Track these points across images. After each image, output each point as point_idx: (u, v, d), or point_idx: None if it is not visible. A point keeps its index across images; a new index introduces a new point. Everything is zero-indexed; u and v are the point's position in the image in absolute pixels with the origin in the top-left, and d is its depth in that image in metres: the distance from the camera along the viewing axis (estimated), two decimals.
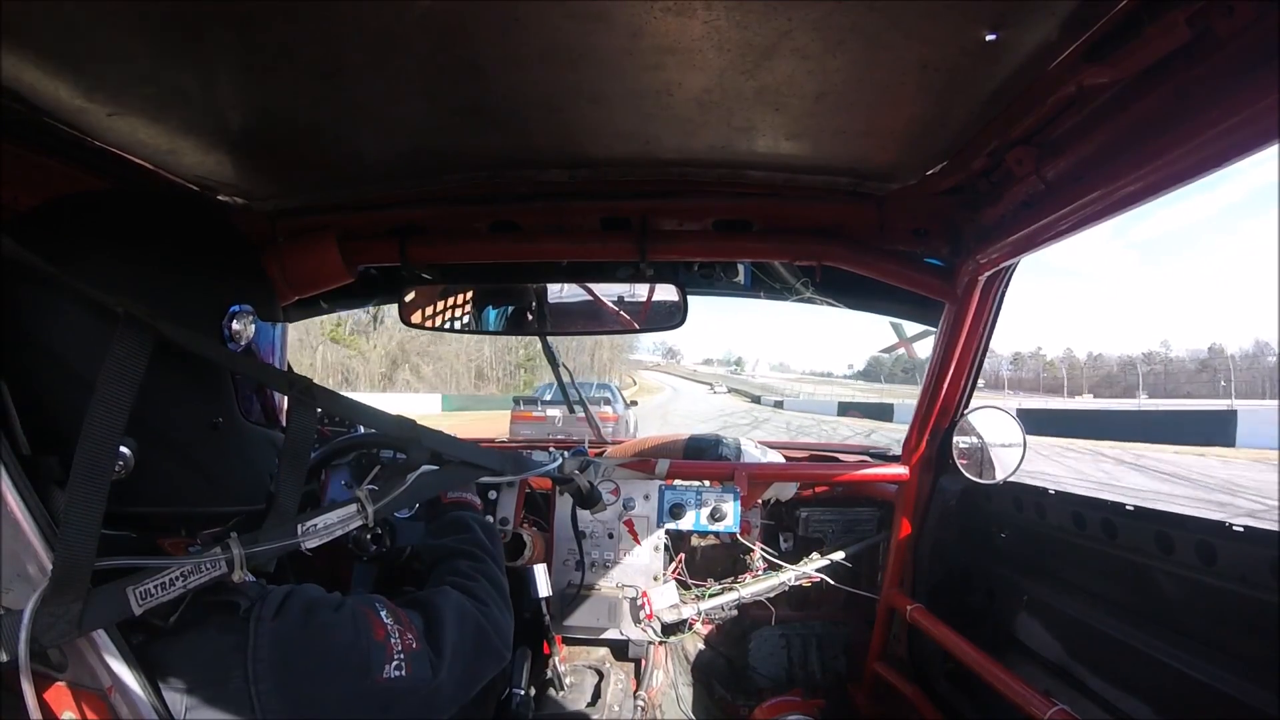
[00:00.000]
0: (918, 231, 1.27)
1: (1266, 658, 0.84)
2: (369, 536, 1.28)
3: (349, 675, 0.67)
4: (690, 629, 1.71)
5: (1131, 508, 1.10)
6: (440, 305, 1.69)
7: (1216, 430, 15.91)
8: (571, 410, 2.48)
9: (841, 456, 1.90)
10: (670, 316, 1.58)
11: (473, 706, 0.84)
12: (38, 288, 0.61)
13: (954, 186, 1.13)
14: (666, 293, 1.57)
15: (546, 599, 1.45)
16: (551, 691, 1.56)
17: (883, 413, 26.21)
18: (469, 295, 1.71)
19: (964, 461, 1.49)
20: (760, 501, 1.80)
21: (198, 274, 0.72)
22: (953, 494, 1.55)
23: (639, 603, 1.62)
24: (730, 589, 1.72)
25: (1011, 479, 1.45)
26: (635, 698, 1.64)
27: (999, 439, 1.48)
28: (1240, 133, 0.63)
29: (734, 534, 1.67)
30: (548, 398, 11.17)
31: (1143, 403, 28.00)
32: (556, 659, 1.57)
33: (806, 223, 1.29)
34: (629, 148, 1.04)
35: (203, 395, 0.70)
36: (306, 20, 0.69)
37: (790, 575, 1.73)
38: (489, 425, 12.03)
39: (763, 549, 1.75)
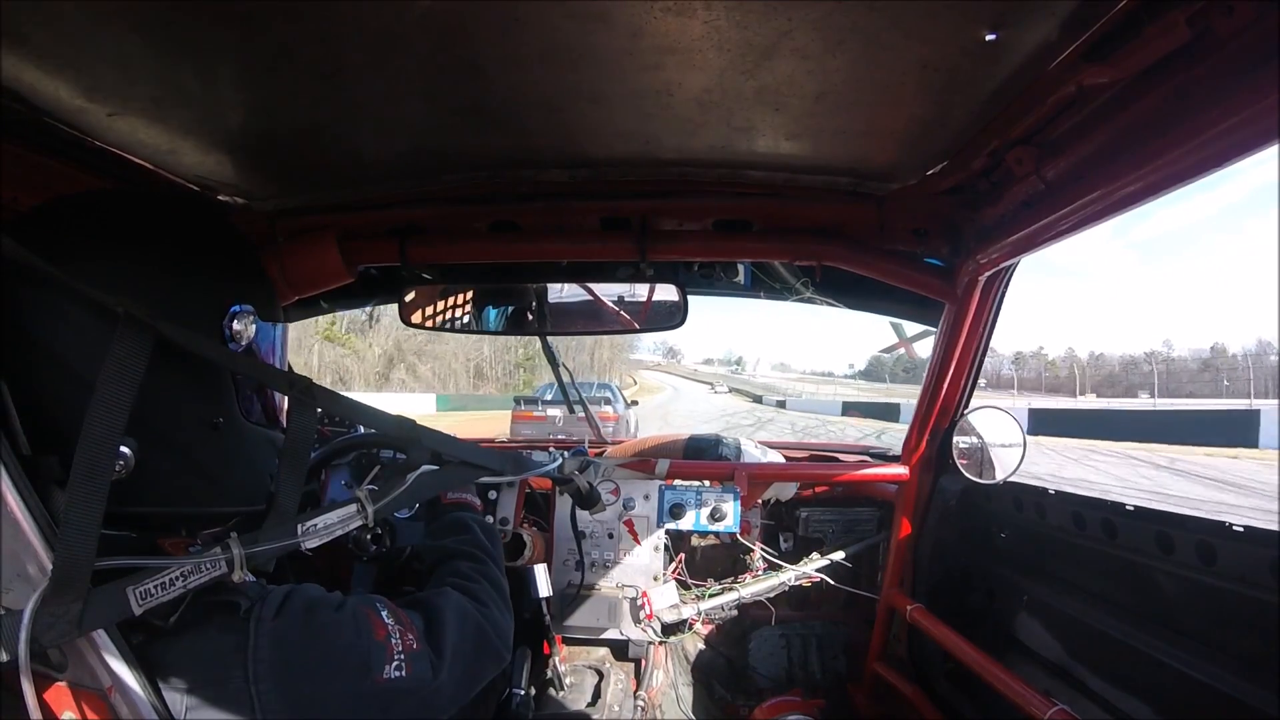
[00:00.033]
0: (918, 231, 1.27)
1: (1266, 658, 0.84)
2: (369, 536, 1.28)
3: (349, 675, 0.67)
4: (690, 629, 1.71)
5: (1131, 508, 1.10)
6: (440, 305, 1.69)
7: (1239, 431, 15.33)
8: (571, 410, 2.48)
9: (841, 456, 1.90)
10: (670, 316, 1.58)
11: (472, 707, 0.84)
12: (38, 288, 0.61)
13: (954, 186, 1.13)
14: (666, 293, 1.57)
15: (546, 599, 1.45)
16: (551, 691, 1.56)
17: (889, 412, 25.66)
18: (469, 295, 1.71)
19: (964, 461, 1.49)
20: (760, 501, 1.80)
21: (198, 274, 0.72)
22: (953, 494, 1.55)
23: (639, 603, 1.62)
24: (730, 589, 1.72)
25: (1011, 479, 1.45)
26: (635, 698, 1.64)
27: (999, 439, 1.48)
28: (1240, 133, 0.63)
29: (734, 534, 1.67)
30: (549, 397, 11.18)
31: (1157, 403, 27.61)
32: (556, 659, 1.57)
33: (806, 223, 1.29)
34: (629, 148, 1.04)
35: (203, 395, 0.70)
36: (306, 20, 0.69)
37: (790, 575, 1.73)
38: (484, 425, 11.96)
39: (763, 549, 1.75)
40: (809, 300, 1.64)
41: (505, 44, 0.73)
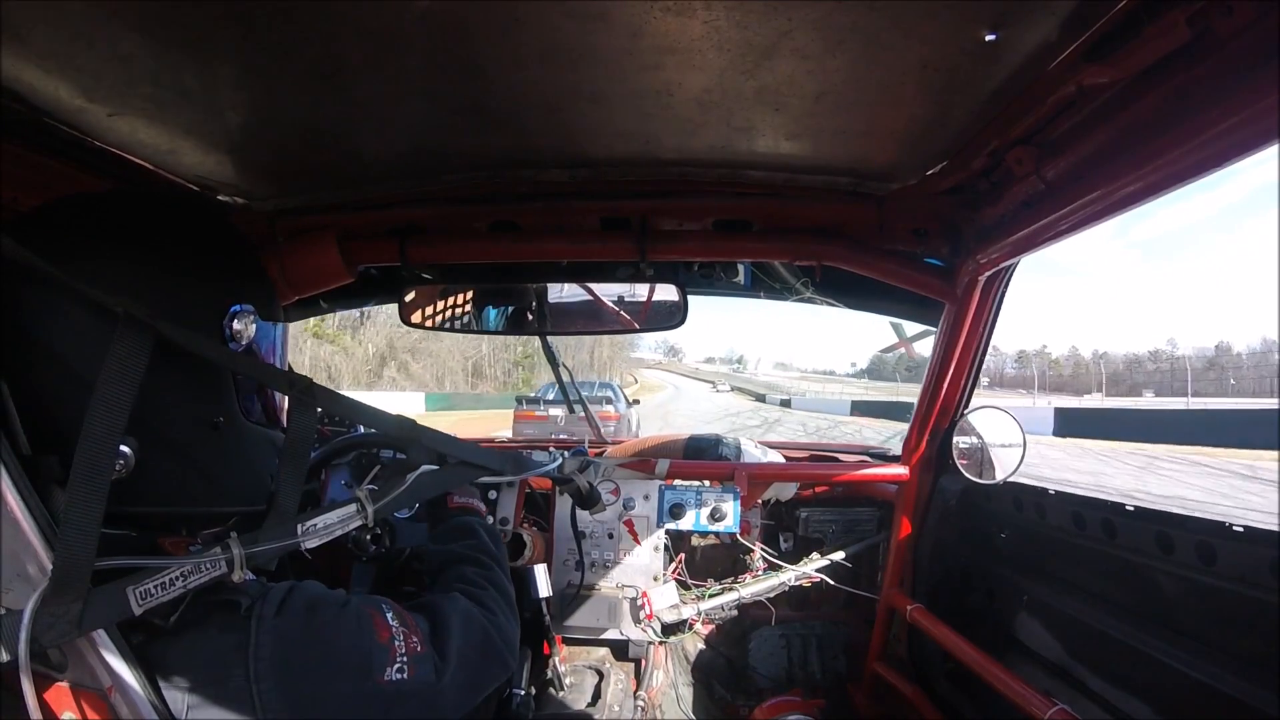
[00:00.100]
0: (918, 231, 1.27)
1: (1266, 658, 0.84)
2: (369, 537, 1.28)
3: (350, 675, 0.67)
4: (690, 629, 1.71)
5: (1132, 508, 1.10)
6: (440, 305, 1.69)
7: None
8: (571, 410, 2.48)
9: (841, 456, 1.90)
10: (670, 316, 1.58)
11: (474, 707, 0.84)
12: (38, 288, 0.61)
13: (954, 186, 1.13)
14: (666, 292, 1.57)
15: (546, 599, 1.45)
16: (551, 691, 1.56)
17: (901, 412, 25.31)
18: (469, 295, 1.71)
19: (964, 461, 1.49)
20: (760, 501, 1.80)
21: (198, 274, 0.72)
22: (953, 494, 1.55)
23: (639, 603, 1.62)
24: (730, 589, 1.71)
25: (1012, 479, 1.45)
26: (635, 698, 1.64)
27: (999, 439, 1.48)
28: (1240, 133, 0.63)
29: (734, 534, 1.67)
30: (550, 397, 11.19)
31: (1190, 401, 27.00)
32: (556, 659, 1.57)
33: (806, 223, 1.29)
34: (629, 148, 1.04)
35: (204, 395, 0.70)
36: (306, 20, 0.69)
37: (790, 575, 1.73)
38: (473, 426, 11.78)
39: (763, 549, 1.75)
40: (809, 300, 1.64)
41: (505, 44, 0.73)
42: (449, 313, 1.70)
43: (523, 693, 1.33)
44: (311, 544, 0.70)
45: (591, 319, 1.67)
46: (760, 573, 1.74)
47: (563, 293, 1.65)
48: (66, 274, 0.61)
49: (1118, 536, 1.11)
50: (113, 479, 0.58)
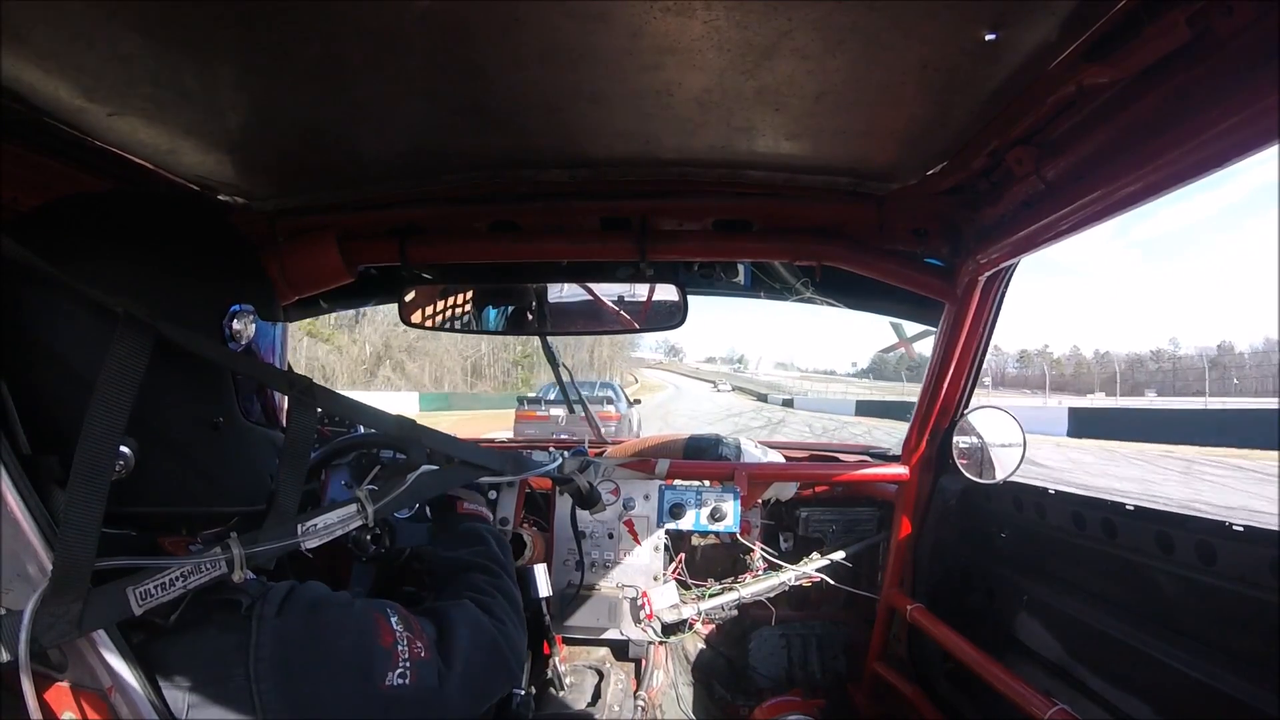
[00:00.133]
0: (918, 231, 1.27)
1: (1266, 658, 0.84)
2: (369, 537, 1.28)
3: (350, 678, 0.66)
4: (690, 629, 1.71)
5: (1131, 507, 1.10)
6: (440, 305, 1.69)
7: None
8: (572, 410, 2.48)
9: (841, 456, 1.90)
10: (670, 316, 1.58)
11: (478, 717, 0.83)
12: (38, 288, 0.61)
13: (954, 186, 1.13)
14: (666, 292, 1.57)
15: (546, 599, 1.45)
16: (551, 691, 1.56)
17: (908, 412, 24.81)
18: (469, 295, 1.71)
19: (964, 461, 1.49)
20: (760, 501, 1.80)
21: (198, 274, 0.71)
22: (953, 494, 1.55)
23: (639, 603, 1.62)
24: (730, 589, 1.71)
25: (1011, 479, 1.45)
26: (635, 698, 1.64)
27: (999, 439, 1.48)
28: (1240, 133, 0.63)
29: (734, 534, 1.67)
30: (551, 397, 11.19)
31: (1209, 401, 26.60)
32: (556, 659, 1.57)
33: (806, 223, 1.29)
34: (629, 148, 1.04)
35: (204, 395, 0.70)
36: (306, 20, 0.69)
37: (790, 575, 1.73)
38: (467, 427, 11.73)
39: (763, 549, 1.75)
40: (809, 300, 1.64)
41: (505, 44, 0.73)
42: (449, 313, 1.70)
43: (523, 693, 1.33)
44: (311, 544, 0.70)
45: (591, 319, 1.67)
46: (760, 573, 1.74)
47: (563, 293, 1.66)
48: (66, 274, 0.60)
49: (1118, 536, 1.11)
50: (113, 479, 0.58)
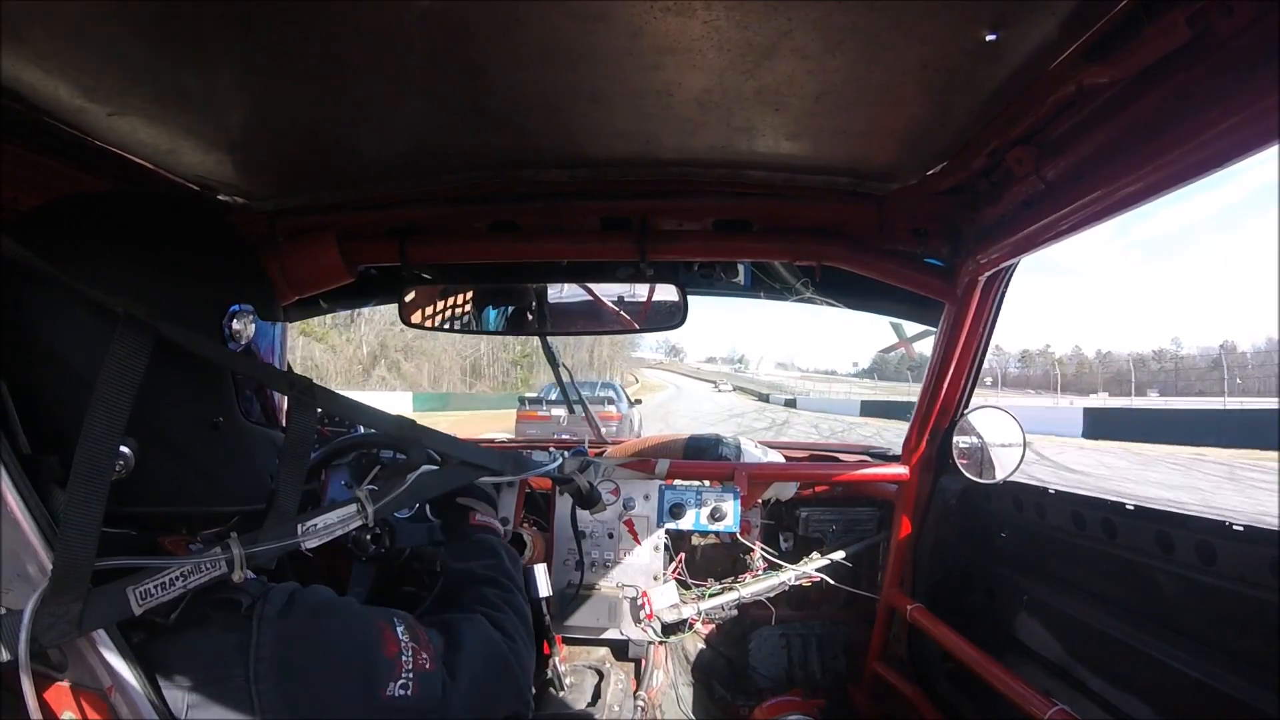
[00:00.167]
0: (918, 231, 1.27)
1: (1266, 658, 0.84)
2: (369, 537, 1.28)
3: (350, 684, 0.66)
4: (690, 629, 1.71)
5: (1132, 507, 1.10)
6: (440, 305, 1.69)
7: None
8: (572, 410, 2.48)
9: (841, 456, 1.90)
10: (670, 316, 1.58)
11: None
12: (38, 288, 0.61)
13: (954, 186, 1.13)
14: (666, 293, 1.58)
15: (546, 599, 1.45)
16: (551, 691, 1.56)
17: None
18: (469, 295, 1.71)
19: (964, 461, 1.49)
20: (760, 501, 1.80)
21: (198, 274, 0.71)
22: (953, 494, 1.55)
23: (639, 603, 1.62)
24: (730, 589, 1.71)
25: (1011, 479, 1.45)
26: (635, 698, 1.64)
27: (999, 439, 1.48)
28: (1240, 133, 0.63)
29: (734, 534, 1.67)
30: (553, 397, 11.21)
31: (1227, 401, 25.56)
32: (556, 659, 1.57)
33: (806, 223, 1.29)
34: (629, 148, 1.04)
35: (204, 395, 0.70)
36: (306, 20, 0.69)
37: (790, 575, 1.73)
38: (464, 429, 11.56)
39: (763, 549, 1.75)
40: (809, 300, 1.64)
41: (505, 44, 0.73)
42: (449, 313, 1.70)
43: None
44: (311, 544, 0.70)
45: (591, 319, 1.67)
46: (760, 572, 1.74)
47: (563, 293, 1.66)
48: (66, 274, 0.60)
49: (1118, 536, 1.11)
50: (113, 479, 0.58)
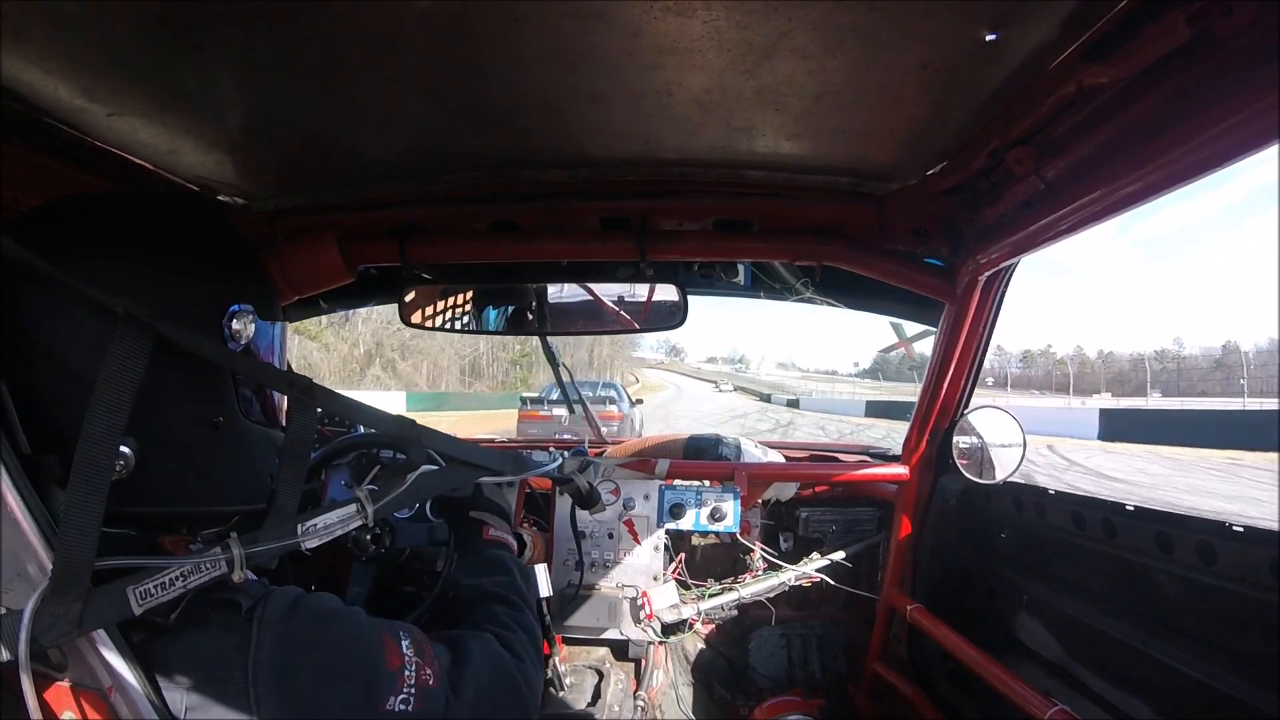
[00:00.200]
0: (918, 231, 1.27)
1: (1266, 658, 0.84)
2: (369, 536, 1.28)
3: (349, 695, 0.65)
4: (690, 629, 1.71)
5: (1131, 507, 1.10)
6: (440, 305, 1.69)
7: None
8: (571, 410, 2.48)
9: (841, 456, 1.90)
10: (670, 316, 1.58)
11: None
12: (38, 288, 0.61)
13: (954, 186, 1.13)
14: (666, 292, 1.58)
15: (547, 599, 1.45)
16: (551, 691, 1.56)
17: None
18: (469, 295, 1.71)
19: (964, 461, 1.49)
20: (760, 501, 1.80)
21: (199, 274, 0.71)
22: (953, 494, 1.55)
23: (639, 603, 1.62)
24: (730, 589, 1.72)
25: (1011, 479, 1.45)
26: (635, 698, 1.64)
27: (999, 439, 1.48)
28: (1240, 133, 0.63)
29: (734, 534, 1.67)
30: (554, 396, 11.23)
31: (1247, 402, 24.87)
32: (556, 659, 1.57)
33: (806, 223, 1.29)
34: (629, 148, 1.04)
35: (204, 395, 0.70)
36: (306, 20, 0.69)
37: (790, 575, 1.73)
38: (459, 430, 11.41)
39: (763, 549, 1.75)
40: (809, 300, 1.64)
41: (505, 44, 0.73)
42: (449, 313, 1.70)
43: None
44: (311, 544, 0.70)
45: (591, 319, 1.67)
46: (760, 573, 1.74)
47: (563, 293, 1.66)
48: (66, 274, 0.60)
49: (1118, 536, 1.11)
50: (113, 479, 0.58)
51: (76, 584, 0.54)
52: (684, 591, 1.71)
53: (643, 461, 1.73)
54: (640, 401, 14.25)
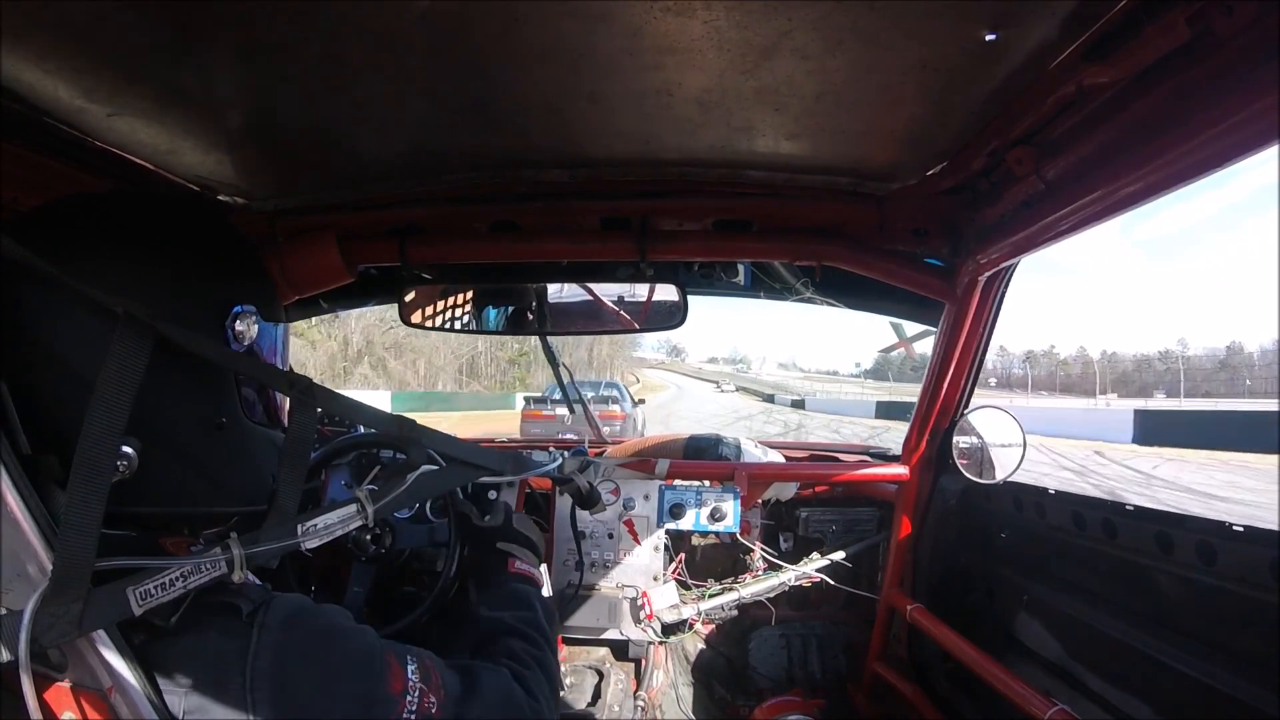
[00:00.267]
0: (918, 231, 1.27)
1: (1266, 658, 0.84)
2: (369, 537, 1.28)
3: (346, 714, 0.64)
4: (690, 629, 1.71)
5: (1131, 508, 1.10)
6: (440, 305, 1.69)
7: None
8: (572, 410, 2.49)
9: (841, 456, 1.90)
10: (670, 316, 1.58)
11: None
12: (38, 288, 0.61)
13: (954, 186, 1.13)
14: (666, 292, 1.58)
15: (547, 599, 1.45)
16: None
17: None
18: (469, 295, 1.72)
19: (964, 461, 1.49)
20: (760, 501, 1.80)
21: (199, 274, 0.71)
22: (953, 494, 1.55)
23: (639, 603, 1.62)
24: (730, 589, 1.72)
25: (1011, 479, 1.45)
26: (635, 698, 1.64)
27: (999, 439, 1.49)
28: (1240, 133, 0.63)
29: (734, 534, 1.67)
30: (557, 396, 11.24)
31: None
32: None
33: (806, 223, 1.29)
34: (629, 148, 1.04)
35: (207, 395, 0.70)
36: (306, 20, 0.69)
37: (790, 575, 1.73)
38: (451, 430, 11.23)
39: (763, 549, 1.75)
40: (809, 300, 1.64)
41: (505, 44, 0.73)
42: (449, 313, 1.70)
43: None
44: (311, 544, 0.70)
45: (591, 319, 1.67)
46: (760, 573, 1.74)
47: (563, 293, 1.66)
48: (66, 274, 0.60)
49: (1118, 536, 1.11)
50: (115, 480, 0.58)
51: (77, 584, 0.54)
52: (684, 591, 1.71)
53: (643, 461, 1.73)
54: (643, 401, 14.26)
